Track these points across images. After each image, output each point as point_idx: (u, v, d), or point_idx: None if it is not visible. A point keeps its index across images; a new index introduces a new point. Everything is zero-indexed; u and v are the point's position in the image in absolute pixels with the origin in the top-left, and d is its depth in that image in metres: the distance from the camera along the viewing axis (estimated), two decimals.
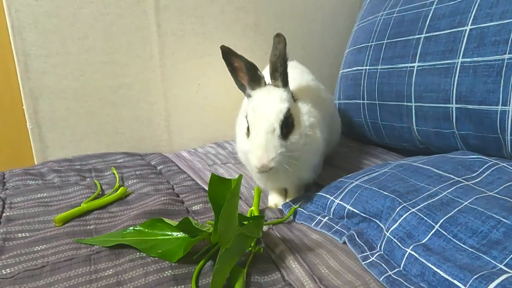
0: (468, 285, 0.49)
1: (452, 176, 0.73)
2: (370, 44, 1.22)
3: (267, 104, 0.77)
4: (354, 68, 1.29)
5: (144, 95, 1.37)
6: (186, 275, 0.59)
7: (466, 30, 0.91)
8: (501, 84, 0.82)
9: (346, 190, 0.79)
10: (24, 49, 1.18)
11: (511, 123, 0.81)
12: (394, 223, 0.65)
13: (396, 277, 0.57)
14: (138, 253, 0.64)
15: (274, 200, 0.90)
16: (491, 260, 0.53)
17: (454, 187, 0.69)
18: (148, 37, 1.33)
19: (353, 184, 0.80)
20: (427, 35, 1.01)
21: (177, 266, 0.61)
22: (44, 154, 1.27)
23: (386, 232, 0.65)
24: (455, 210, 0.62)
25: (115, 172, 1.05)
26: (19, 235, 0.72)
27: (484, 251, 0.54)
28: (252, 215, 0.79)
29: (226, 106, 1.48)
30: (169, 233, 0.67)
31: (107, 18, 1.26)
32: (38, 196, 0.89)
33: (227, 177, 0.63)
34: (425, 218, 0.62)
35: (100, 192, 0.93)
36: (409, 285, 0.55)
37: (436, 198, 0.67)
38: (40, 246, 0.67)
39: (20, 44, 1.17)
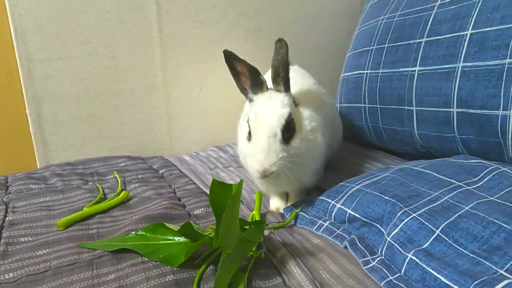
0: None
1: (453, 181, 0.73)
2: (371, 48, 1.23)
3: (268, 109, 0.78)
4: (356, 72, 1.29)
5: (146, 99, 1.38)
6: (188, 280, 0.60)
7: (467, 34, 0.91)
8: (502, 89, 0.82)
9: (347, 195, 0.80)
10: (27, 53, 1.19)
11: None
12: (395, 228, 0.65)
13: (397, 282, 0.57)
14: (140, 258, 0.65)
15: (276, 204, 0.91)
16: (492, 266, 0.53)
17: (455, 191, 0.69)
18: (150, 41, 1.34)
19: (354, 189, 0.80)
20: (428, 39, 1.01)
21: (178, 271, 0.61)
22: (46, 158, 1.28)
23: (387, 237, 0.65)
24: (456, 215, 0.62)
25: (117, 176, 1.05)
26: (22, 239, 0.73)
27: (485, 257, 0.55)
28: (254, 219, 0.79)
29: (227, 110, 1.48)
30: (171, 237, 0.67)
31: (109, 23, 1.27)
32: (41, 200, 0.90)
33: (228, 181, 0.63)
34: (426, 223, 0.62)
35: (102, 196, 0.93)
36: None
37: (437, 203, 0.67)
38: (43, 251, 0.68)
39: (23, 49, 1.18)
